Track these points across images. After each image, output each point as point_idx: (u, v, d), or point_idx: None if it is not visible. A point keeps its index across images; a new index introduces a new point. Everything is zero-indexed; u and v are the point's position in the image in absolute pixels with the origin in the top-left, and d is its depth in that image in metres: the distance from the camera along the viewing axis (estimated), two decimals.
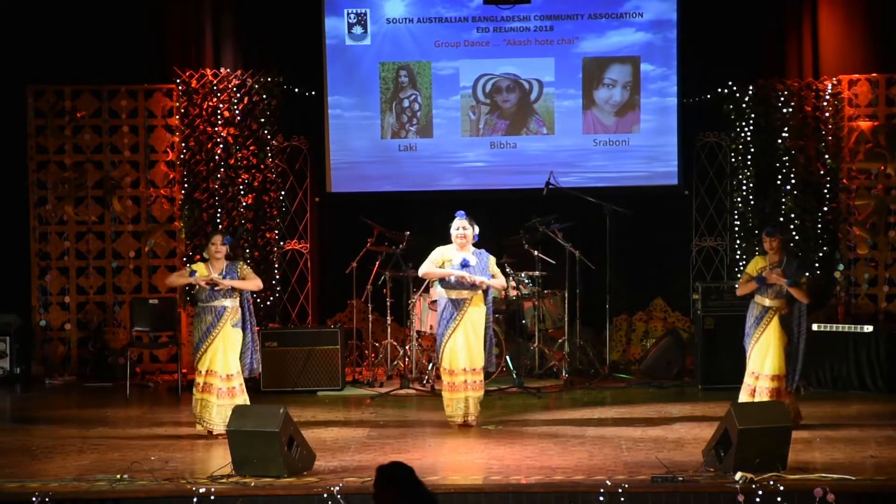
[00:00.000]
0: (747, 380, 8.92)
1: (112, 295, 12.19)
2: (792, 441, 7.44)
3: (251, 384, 9.46)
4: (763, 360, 8.86)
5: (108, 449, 8.42)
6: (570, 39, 12.22)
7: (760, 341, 8.90)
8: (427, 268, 9.34)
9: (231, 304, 8.93)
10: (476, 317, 9.20)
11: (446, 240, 9.43)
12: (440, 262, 9.29)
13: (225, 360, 8.87)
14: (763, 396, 8.79)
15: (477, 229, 9.31)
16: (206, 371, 8.84)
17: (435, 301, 11.01)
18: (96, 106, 12.15)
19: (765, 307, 8.92)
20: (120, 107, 12.15)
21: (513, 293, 11.17)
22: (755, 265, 9.06)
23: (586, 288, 11.62)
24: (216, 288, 8.89)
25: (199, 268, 8.98)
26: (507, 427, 9.20)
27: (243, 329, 9.02)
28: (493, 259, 9.37)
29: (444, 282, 9.25)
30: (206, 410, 8.82)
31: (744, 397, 8.86)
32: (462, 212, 9.28)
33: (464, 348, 9.14)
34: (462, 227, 9.22)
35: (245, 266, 9.12)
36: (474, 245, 9.33)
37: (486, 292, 9.30)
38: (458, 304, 9.18)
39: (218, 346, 8.85)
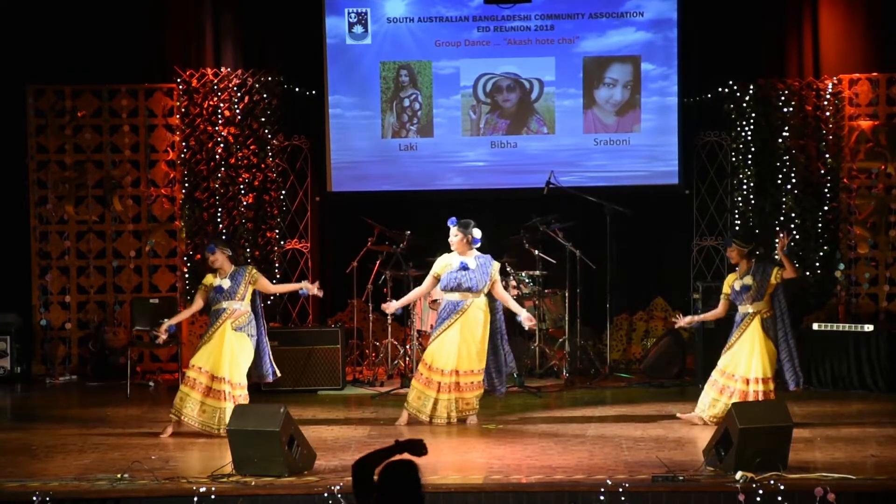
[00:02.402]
0: (721, 379, 8.99)
1: (112, 294, 12.19)
2: (792, 440, 7.43)
3: (251, 384, 9.43)
4: (747, 362, 8.92)
5: (108, 448, 8.42)
6: (571, 39, 12.22)
7: (738, 343, 8.98)
8: (421, 288, 9.55)
9: (236, 306, 8.91)
10: (475, 321, 9.20)
11: (447, 239, 9.42)
12: (441, 271, 9.29)
13: (217, 361, 8.83)
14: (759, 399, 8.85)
15: (478, 233, 9.29)
16: (193, 366, 8.86)
17: (436, 300, 11.02)
18: (97, 105, 12.16)
19: (745, 313, 9.02)
20: (120, 106, 12.16)
21: (513, 292, 11.17)
22: (728, 282, 9.16)
23: (587, 287, 11.63)
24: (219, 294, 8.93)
25: (208, 278, 8.99)
26: (508, 426, 9.20)
27: (258, 335, 9.01)
28: (496, 265, 9.35)
29: (443, 285, 9.26)
30: (182, 403, 8.81)
31: (713, 394, 8.96)
32: (453, 218, 9.28)
33: (454, 349, 9.14)
34: (453, 235, 9.27)
35: (254, 270, 9.07)
36: (478, 249, 9.34)
37: (490, 298, 9.30)
38: (456, 305, 9.21)
39: (213, 346, 8.85)
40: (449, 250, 9.40)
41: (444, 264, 9.33)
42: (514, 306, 9.43)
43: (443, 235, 9.59)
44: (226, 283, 8.89)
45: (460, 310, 9.19)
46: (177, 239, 12.15)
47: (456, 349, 9.16)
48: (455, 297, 9.21)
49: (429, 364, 9.20)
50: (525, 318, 9.35)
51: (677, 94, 12.12)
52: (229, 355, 8.85)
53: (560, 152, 12.21)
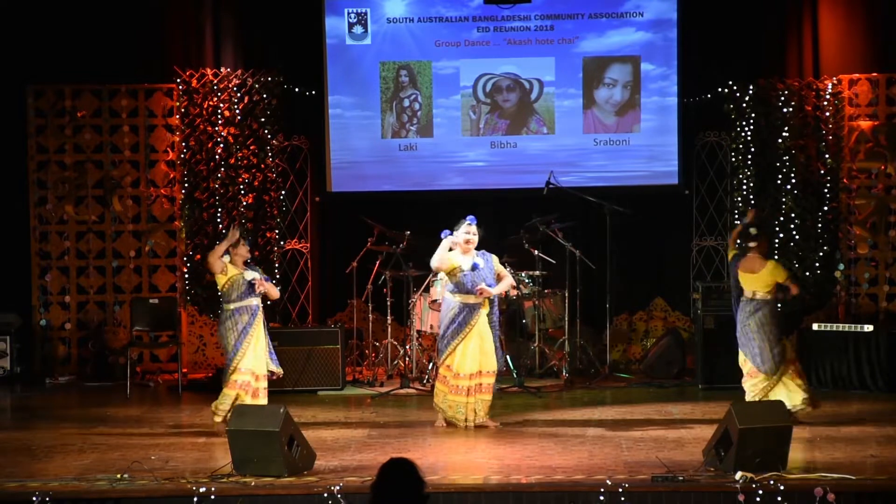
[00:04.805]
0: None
1: (112, 294, 12.19)
2: (792, 440, 7.44)
3: None
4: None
5: (108, 448, 8.42)
6: (571, 39, 12.22)
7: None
8: (440, 260, 9.10)
9: (259, 303, 8.98)
10: (487, 320, 9.21)
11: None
12: (451, 266, 9.18)
13: (260, 361, 8.92)
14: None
15: (481, 233, 9.30)
16: (246, 369, 8.86)
17: (436, 300, 11.02)
18: (96, 105, 12.15)
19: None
20: (120, 106, 12.15)
21: (513, 293, 11.17)
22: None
23: (586, 287, 11.63)
24: (256, 288, 8.93)
25: (233, 269, 8.98)
26: (508, 427, 9.20)
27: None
28: (495, 258, 9.34)
29: (458, 286, 9.14)
30: None
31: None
32: (473, 217, 9.22)
33: (477, 353, 9.10)
34: (472, 234, 9.15)
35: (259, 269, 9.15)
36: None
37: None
38: (473, 309, 9.11)
39: (255, 347, 8.90)
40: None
41: (454, 265, 9.18)
42: (503, 286, 9.35)
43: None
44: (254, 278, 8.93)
45: (476, 314, 9.13)
46: (176, 239, 12.15)
47: (480, 353, 9.12)
48: (470, 299, 9.14)
49: (457, 372, 9.11)
50: (508, 284, 9.40)
51: (677, 94, 12.12)
52: (263, 352, 8.95)
53: (560, 152, 12.21)
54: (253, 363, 8.91)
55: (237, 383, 8.87)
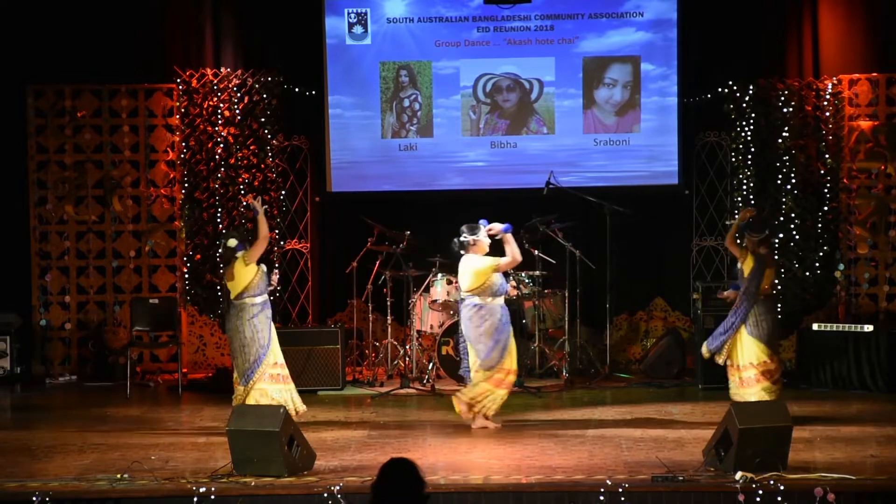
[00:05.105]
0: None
1: (112, 294, 12.19)
2: (792, 440, 7.44)
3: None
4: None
5: (108, 448, 8.42)
6: (571, 39, 12.22)
7: None
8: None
9: None
10: None
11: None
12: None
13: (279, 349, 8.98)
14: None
15: None
16: (278, 363, 8.88)
17: (435, 300, 11.04)
18: (96, 105, 12.16)
19: None
20: (120, 106, 12.16)
21: (513, 293, 11.16)
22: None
23: (586, 287, 11.63)
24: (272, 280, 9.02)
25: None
26: (507, 427, 9.20)
27: None
28: None
29: (498, 290, 9.14)
30: (294, 399, 8.85)
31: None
32: (485, 220, 9.24)
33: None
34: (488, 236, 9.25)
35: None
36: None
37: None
38: (507, 308, 9.23)
39: (276, 337, 8.93)
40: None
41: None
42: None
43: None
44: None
45: (507, 310, 9.24)
46: (176, 239, 12.15)
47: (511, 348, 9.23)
48: (501, 299, 9.19)
49: (509, 369, 9.17)
50: None
51: (677, 94, 12.12)
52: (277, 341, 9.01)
53: (560, 152, 12.21)
54: (280, 356, 8.95)
55: (287, 377, 8.89)
